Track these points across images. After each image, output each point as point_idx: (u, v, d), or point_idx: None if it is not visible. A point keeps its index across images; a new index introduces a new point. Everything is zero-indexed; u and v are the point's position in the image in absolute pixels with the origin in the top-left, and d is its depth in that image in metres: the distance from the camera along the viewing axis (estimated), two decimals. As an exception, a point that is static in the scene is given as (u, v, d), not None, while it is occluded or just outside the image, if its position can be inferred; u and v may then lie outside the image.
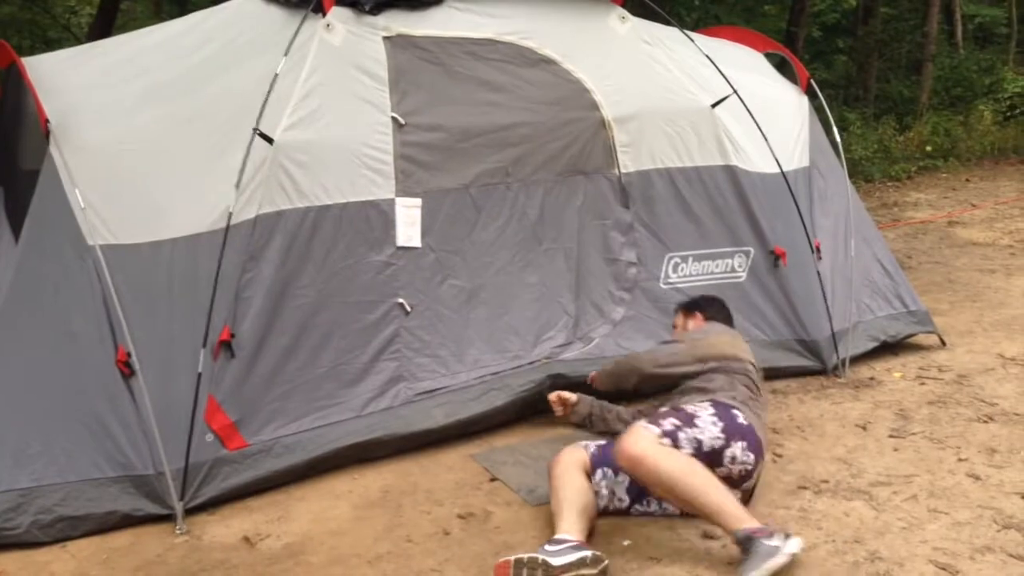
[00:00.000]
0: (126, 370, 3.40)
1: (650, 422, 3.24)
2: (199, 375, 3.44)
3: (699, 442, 3.19)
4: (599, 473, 3.34)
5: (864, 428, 4.13)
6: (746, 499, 3.36)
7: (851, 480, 3.63)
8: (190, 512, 3.42)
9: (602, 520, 3.30)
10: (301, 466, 3.68)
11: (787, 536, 2.96)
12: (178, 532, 3.34)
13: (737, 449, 3.25)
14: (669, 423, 3.22)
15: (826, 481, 3.62)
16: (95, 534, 3.33)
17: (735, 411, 3.33)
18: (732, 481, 3.27)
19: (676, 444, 3.16)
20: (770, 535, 2.93)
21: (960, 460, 3.78)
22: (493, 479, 3.72)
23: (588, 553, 2.93)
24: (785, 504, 3.44)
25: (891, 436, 4.04)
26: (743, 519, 2.98)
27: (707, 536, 3.21)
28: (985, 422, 4.16)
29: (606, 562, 2.93)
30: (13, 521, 3.23)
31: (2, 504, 3.23)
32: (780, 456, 3.85)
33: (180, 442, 3.41)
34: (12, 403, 3.33)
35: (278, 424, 3.67)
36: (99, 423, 3.38)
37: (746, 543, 2.93)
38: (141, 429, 3.39)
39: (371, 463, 3.85)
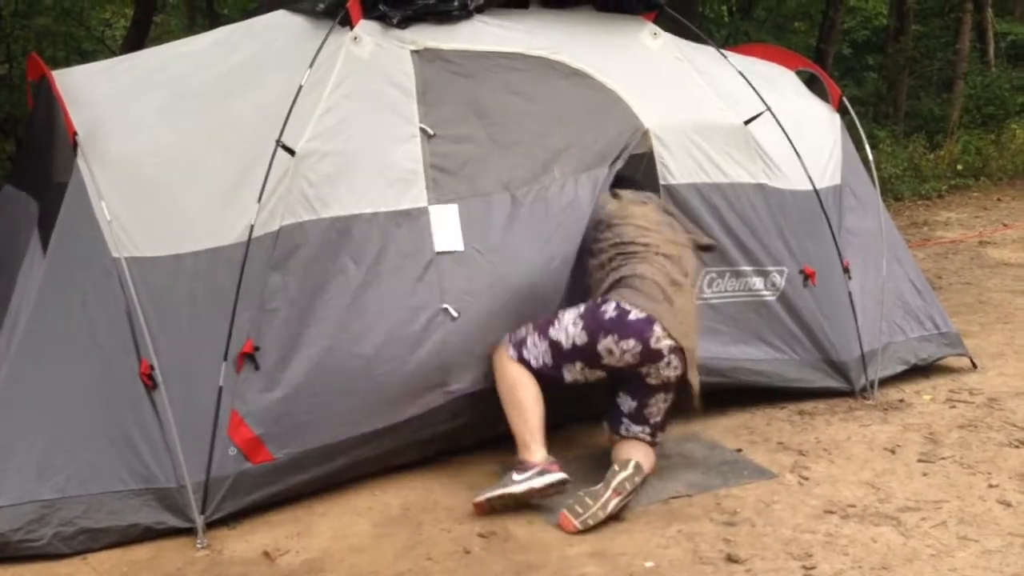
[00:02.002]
0: (149, 383, 3.40)
1: (509, 333, 3.67)
2: (220, 388, 3.43)
3: (555, 343, 3.55)
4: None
5: (893, 452, 4.06)
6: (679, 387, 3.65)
7: (879, 505, 3.56)
8: (211, 526, 3.41)
9: (624, 537, 3.27)
10: (325, 478, 3.66)
11: (543, 472, 3.40)
12: (199, 546, 3.33)
13: (609, 342, 3.46)
14: (521, 331, 3.66)
15: (853, 505, 3.56)
16: (116, 547, 3.32)
17: (603, 307, 3.53)
18: (630, 368, 3.51)
19: (524, 348, 3.59)
20: (525, 469, 3.40)
21: (991, 486, 3.71)
22: (515, 497, 3.69)
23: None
24: (811, 528, 3.39)
25: (920, 460, 3.97)
26: (525, 449, 3.46)
27: (731, 559, 3.16)
28: (1017, 447, 4.08)
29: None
30: (35, 533, 3.22)
31: (25, 515, 3.23)
32: (806, 479, 3.80)
33: (202, 455, 3.39)
34: (38, 415, 3.34)
35: (304, 437, 3.62)
36: (122, 435, 3.38)
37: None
38: (164, 442, 3.38)
39: (393, 480, 3.83)
